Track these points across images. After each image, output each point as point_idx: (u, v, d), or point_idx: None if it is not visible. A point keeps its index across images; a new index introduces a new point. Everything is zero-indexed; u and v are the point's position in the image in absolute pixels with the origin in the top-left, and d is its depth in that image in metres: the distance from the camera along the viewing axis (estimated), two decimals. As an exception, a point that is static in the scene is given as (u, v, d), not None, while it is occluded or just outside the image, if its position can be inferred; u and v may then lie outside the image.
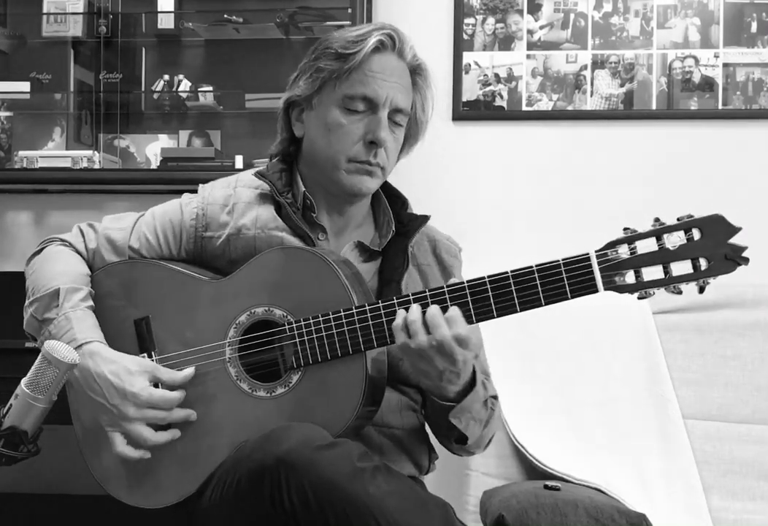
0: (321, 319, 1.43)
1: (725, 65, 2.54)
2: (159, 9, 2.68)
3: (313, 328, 1.44)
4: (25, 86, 2.74)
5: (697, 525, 2.08)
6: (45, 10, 2.71)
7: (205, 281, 1.54)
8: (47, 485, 2.32)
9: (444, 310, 1.37)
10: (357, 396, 1.41)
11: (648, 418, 2.20)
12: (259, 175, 1.63)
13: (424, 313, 1.37)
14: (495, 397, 1.60)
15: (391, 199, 1.68)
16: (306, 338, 1.44)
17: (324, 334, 1.43)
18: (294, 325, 1.45)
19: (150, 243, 1.62)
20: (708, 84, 2.55)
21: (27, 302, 1.57)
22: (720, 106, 2.54)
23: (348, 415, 1.40)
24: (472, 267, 1.75)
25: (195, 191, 1.68)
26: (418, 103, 1.64)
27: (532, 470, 2.11)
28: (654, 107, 2.56)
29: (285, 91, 1.64)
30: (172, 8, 2.68)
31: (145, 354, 1.53)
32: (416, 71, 1.63)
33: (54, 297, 1.52)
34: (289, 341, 1.45)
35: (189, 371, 1.49)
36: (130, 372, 1.46)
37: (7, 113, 2.78)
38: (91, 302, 1.55)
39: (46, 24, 2.71)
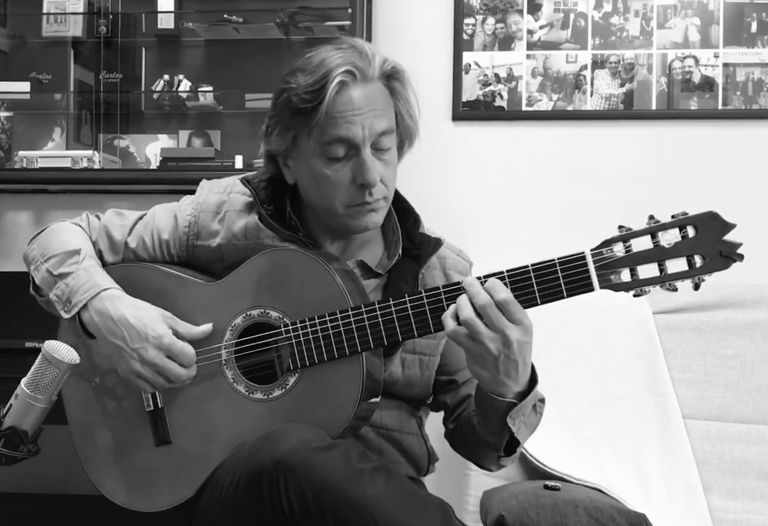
0: (317, 320, 1.43)
1: (725, 65, 2.54)
2: (159, 9, 2.68)
3: (309, 329, 1.43)
4: (25, 86, 2.74)
5: (696, 525, 2.08)
6: (45, 10, 2.71)
7: (200, 284, 1.54)
8: (47, 485, 2.32)
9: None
10: (354, 397, 1.40)
11: (648, 418, 2.20)
12: (245, 181, 1.58)
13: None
14: (542, 400, 1.51)
15: (402, 214, 1.61)
16: (302, 339, 1.43)
17: (320, 335, 1.42)
18: (290, 327, 1.45)
19: (146, 245, 1.61)
20: (708, 84, 2.55)
21: (38, 261, 1.56)
22: (720, 106, 2.54)
23: (346, 416, 1.40)
24: (473, 268, 1.75)
25: (195, 192, 1.67)
26: (402, 109, 1.51)
27: (532, 470, 2.11)
28: (654, 107, 2.56)
29: (262, 142, 1.55)
30: (172, 8, 2.68)
31: None
32: (391, 77, 1.49)
33: (74, 254, 1.52)
34: (286, 343, 1.45)
35: (207, 326, 1.49)
36: (151, 317, 1.47)
37: (7, 113, 2.78)
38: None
39: (46, 24, 2.71)
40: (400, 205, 1.62)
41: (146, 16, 2.73)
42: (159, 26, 2.70)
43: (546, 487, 1.87)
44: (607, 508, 1.74)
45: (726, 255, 1.29)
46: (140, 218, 1.64)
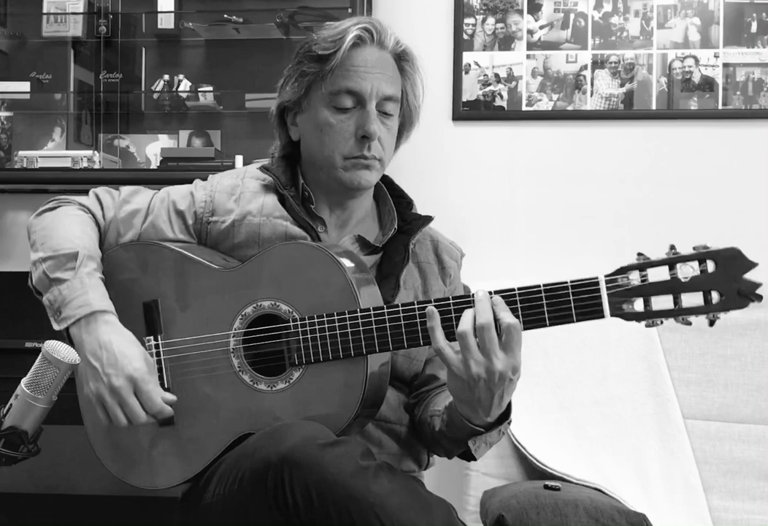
0: (326, 319, 1.44)
1: (725, 65, 2.54)
2: (159, 9, 2.68)
3: (317, 327, 1.44)
4: (25, 86, 2.74)
5: (697, 525, 2.08)
6: (45, 10, 2.71)
7: (215, 270, 1.54)
8: (47, 485, 2.32)
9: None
10: (355, 400, 1.41)
11: (648, 418, 2.20)
12: (264, 169, 1.65)
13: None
14: (509, 422, 1.52)
15: (397, 200, 1.70)
16: (309, 336, 1.44)
17: (327, 334, 1.43)
18: (299, 322, 1.45)
19: (161, 220, 1.62)
20: (708, 84, 2.55)
21: (36, 256, 1.55)
22: (720, 106, 2.54)
23: (345, 418, 1.41)
24: (473, 266, 1.75)
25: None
26: (408, 89, 1.64)
27: (532, 470, 2.11)
28: (654, 107, 2.56)
29: (276, 98, 1.65)
30: (172, 8, 2.68)
31: (152, 337, 1.53)
32: (402, 58, 1.63)
33: (71, 259, 1.51)
34: (293, 337, 1.46)
35: (167, 409, 1.46)
36: (135, 353, 1.46)
37: (7, 113, 2.78)
38: (102, 275, 1.55)
39: (46, 24, 2.71)
40: (394, 192, 1.71)
41: (146, 16, 2.73)
42: (159, 26, 2.71)
43: (546, 487, 1.87)
44: (607, 508, 1.74)
45: (744, 295, 1.26)
46: (154, 196, 1.66)
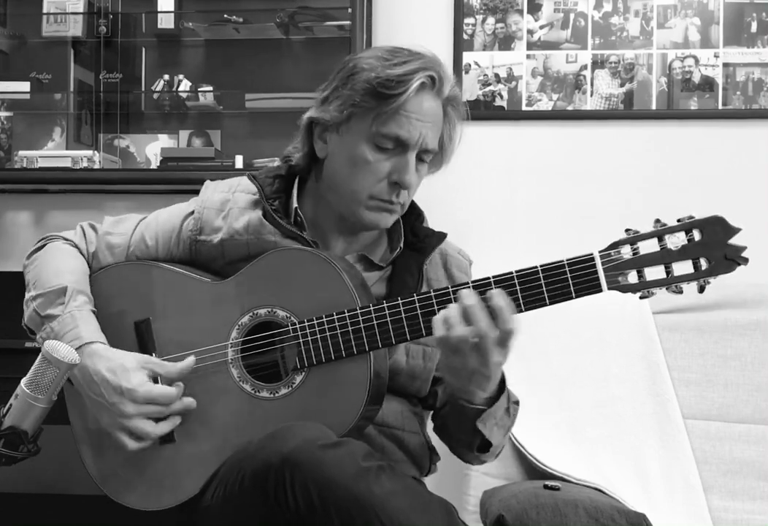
0: (325, 320, 1.43)
1: (725, 65, 2.54)
2: (159, 9, 2.68)
3: (317, 328, 1.44)
4: (25, 86, 2.74)
5: (697, 525, 2.08)
6: (45, 10, 2.71)
7: (206, 283, 1.54)
8: (47, 485, 2.32)
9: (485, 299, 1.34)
10: (361, 397, 1.40)
11: (648, 418, 2.20)
12: (252, 177, 1.62)
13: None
14: (516, 402, 1.57)
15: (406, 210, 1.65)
16: (310, 338, 1.44)
17: (328, 334, 1.43)
18: (297, 326, 1.45)
19: (147, 246, 1.62)
20: (708, 84, 2.55)
21: (28, 295, 1.56)
22: (720, 106, 2.54)
23: (352, 415, 1.40)
24: (473, 267, 1.75)
25: (195, 192, 1.68)
26: (446, 132, 1.59)
27: (532, 470, 2.11)
28: (654, 107, 2.56)
29: (312, 108, 1.57)
30: (172, 8, 2.68)
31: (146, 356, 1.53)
32: (450, 103, 1.58)
33: (60, 294, 1.52)
34: (293, 342, 1.45)
35: (189, 360, 1.48)
36: (126, 369, 1.45)
37: (7, 113, 2.78)
38: (93, 307, 1.55)
39: (46, 24, 2.71)
40: None
41: (146, 16, 2.73)
42: (159, 26, 2.71)
43: (546, 487, 1.86)
44: (607, 508, 1.73)
45: (731, 258, 1.32)
46: (139, 223, 1.65)
